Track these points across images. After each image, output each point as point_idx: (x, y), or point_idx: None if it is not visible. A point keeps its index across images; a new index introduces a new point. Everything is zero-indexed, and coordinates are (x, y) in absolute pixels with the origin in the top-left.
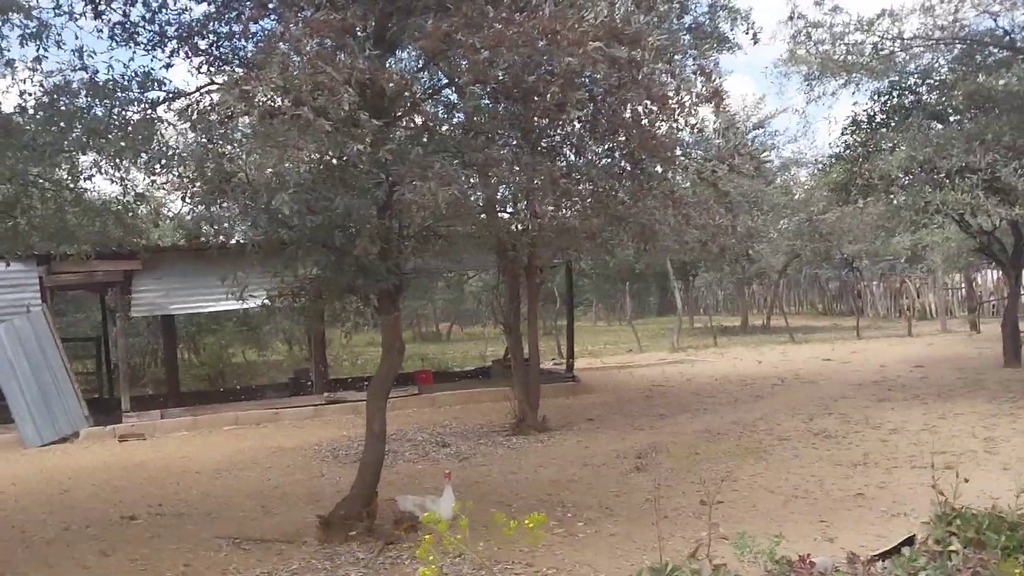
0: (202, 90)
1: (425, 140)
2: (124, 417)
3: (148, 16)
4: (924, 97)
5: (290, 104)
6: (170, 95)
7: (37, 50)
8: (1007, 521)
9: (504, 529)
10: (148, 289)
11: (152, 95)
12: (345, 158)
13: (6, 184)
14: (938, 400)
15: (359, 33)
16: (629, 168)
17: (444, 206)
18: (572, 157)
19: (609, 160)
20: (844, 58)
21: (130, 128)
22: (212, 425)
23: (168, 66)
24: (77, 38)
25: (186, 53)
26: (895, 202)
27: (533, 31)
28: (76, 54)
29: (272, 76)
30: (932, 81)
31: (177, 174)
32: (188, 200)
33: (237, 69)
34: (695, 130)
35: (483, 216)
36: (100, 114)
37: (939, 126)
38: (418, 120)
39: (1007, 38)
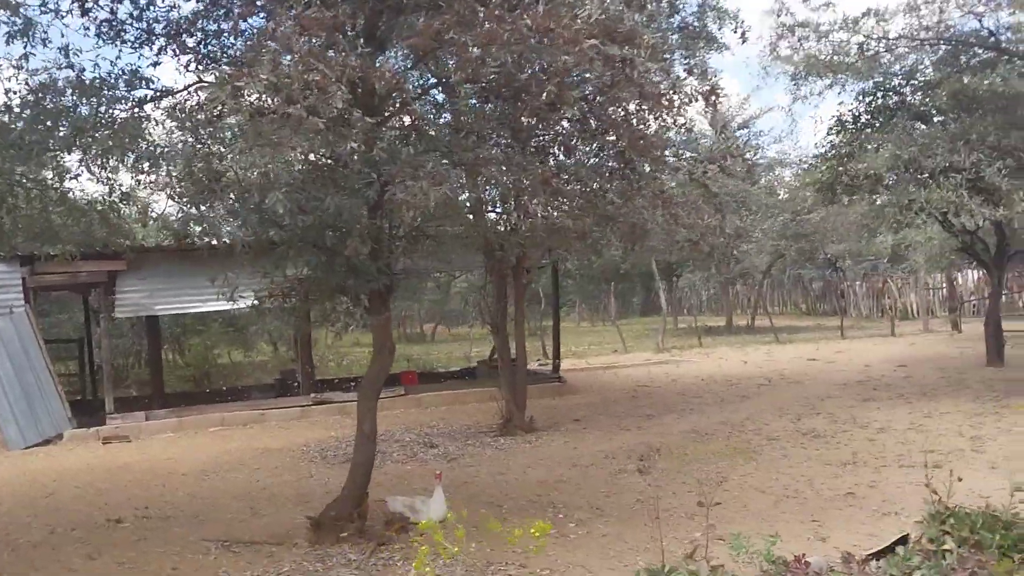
0: (190, 88)
1: (414, 140)
2: (108, 419)
3: (135, 13)
4: (909, 98)
5: (281, 102)
6: (158, 93)
7: (23, 48)
8: (1001, 520)
9: (508, 537)
10: (132, 289)
11: (139, 93)
12: (336, 157)
13: None
14: (923, 399)
15: (349, 32)
16: (619, 167)
17: (434, 206)
18: (562, 157)
19: (598, 160)
20: (830, 58)
21: (117, 127)
22: (198, 426)
23: (156, 64)
24: (63, 36)
25: (174, 51)
26: (878, 201)
27: (526, 29)
28: (62, 52)
29: (263, 74)
30: (916, 82)
31: (165, 173)
32: (176, 200)
33: (226, 67)
34: (684, 130)
35: (471, 216)
36: (86, 113)
37: (923, 126)
38: (407, 120)
39: (992, 39)
